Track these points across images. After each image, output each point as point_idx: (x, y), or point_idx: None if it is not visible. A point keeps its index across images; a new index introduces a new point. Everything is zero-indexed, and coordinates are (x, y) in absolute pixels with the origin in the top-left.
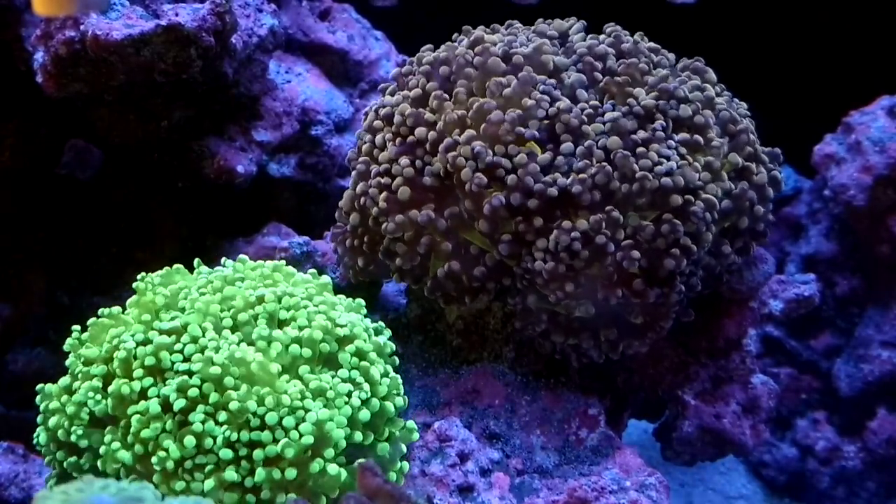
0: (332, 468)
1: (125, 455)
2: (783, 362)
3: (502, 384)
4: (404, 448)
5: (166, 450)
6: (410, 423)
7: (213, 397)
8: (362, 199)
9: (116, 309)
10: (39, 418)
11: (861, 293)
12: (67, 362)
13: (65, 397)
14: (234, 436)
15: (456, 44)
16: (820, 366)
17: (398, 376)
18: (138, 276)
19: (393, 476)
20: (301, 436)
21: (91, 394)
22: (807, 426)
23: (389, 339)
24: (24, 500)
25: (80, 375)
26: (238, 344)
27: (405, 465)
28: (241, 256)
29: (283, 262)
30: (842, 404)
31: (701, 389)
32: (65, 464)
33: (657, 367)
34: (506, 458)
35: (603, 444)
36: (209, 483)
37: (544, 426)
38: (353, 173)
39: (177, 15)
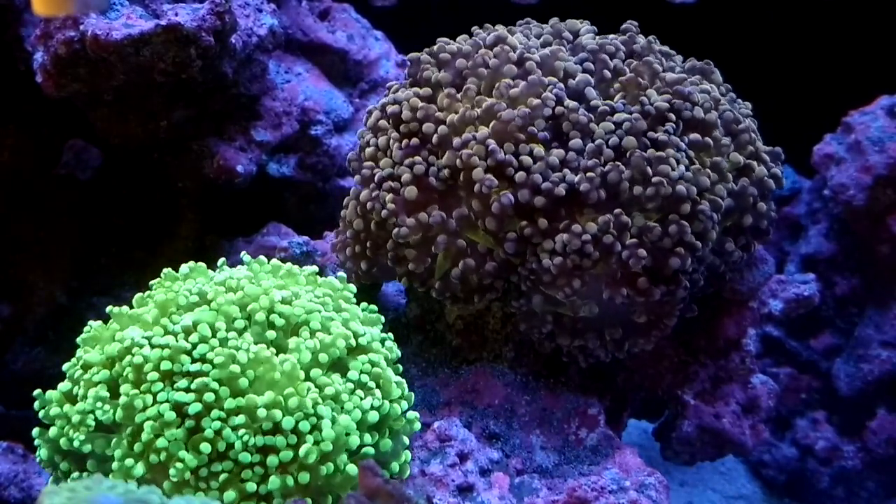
0: (352, 468)
1: (139, 470)
2: (783, 362)
3: (502, 384)
4: (406, 440)
5: (182, 460)
6: (411, 414)
7: (230, 403)
8: (368, 204)
9: (122, 309)
10: (36, 431)
11: (861, 293)
12: (65, 366)
13: (67, 406)
14: (252, 441)
15: (476, 39)
16: (820, 366)
17: (403, 381)
18: (164, 271)
19: (396, 467)
20: (322, 441)
21: (100, 404)
22: (806, 426)
23: (392, 342)
24: (23, 500)
25: (81, 382)
26: (255, 345)
27: (408, 454)
28: (261, 258)
29: (315, 266)
30: (841, 404)
31: (700, 389)
32: (70, 478)
33: (657, 366)
34: (505, 457)
35: (602, 444)
36: (230, 495)
37: (544, 426)
38: (357, 177)
39: (176, 15)
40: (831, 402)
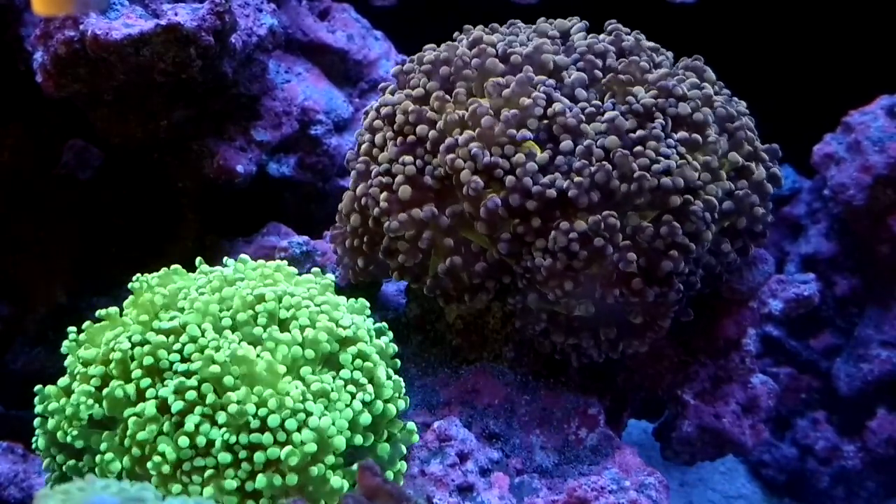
0: (336, 481)
1: (117, 466)
2: (783, 362)
3: (502, 384)
4: (404, 449)
5: (162, 454)
6: (411, 425)
7: (211, 398)
8: (363, 200)
9: (113, 309)
10: (37, 421)
11: (861, 293)
12: (66, 362)
13: (63, 399)
14: (234, 439)
15: (456, 43)
16: (819, 366)
17: (401, 379)
18: (134, 277)
19: (390, 476)
20: (304, 443)
21: (84, 398)
22: (806, 426)
23: (391, 341)
24: (23, 500)
25: (78, 376)
26: (238, 343)
27: (403, 464)
28: (242, 256)
29: (285, 262)
30: (841, 404)
31: (700, 389)
32: (64, 467)
33: (657, 366)
34: (505, 457)
35: (602, 444)
36: (208, 491)
37: (544, 426)
38: (353, 173)
39: (176, 14)
40: (831, 402)
